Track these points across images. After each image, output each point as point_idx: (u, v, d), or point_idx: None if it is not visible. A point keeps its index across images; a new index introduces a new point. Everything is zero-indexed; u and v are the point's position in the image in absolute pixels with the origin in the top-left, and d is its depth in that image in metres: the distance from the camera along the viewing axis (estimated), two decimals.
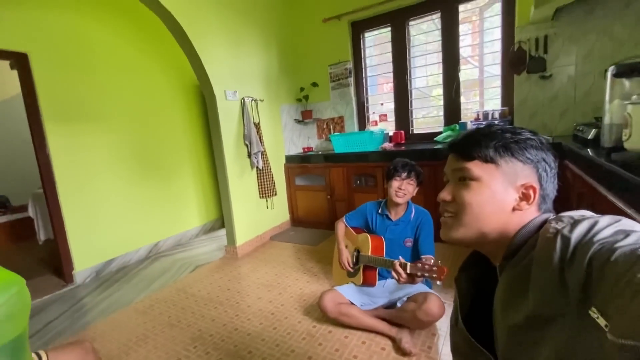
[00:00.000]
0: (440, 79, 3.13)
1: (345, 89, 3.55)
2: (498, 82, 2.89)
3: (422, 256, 1.68)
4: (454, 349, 0.70)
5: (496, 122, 2.72)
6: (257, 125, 3.12)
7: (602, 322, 0.36)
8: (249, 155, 3.05)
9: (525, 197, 0.56)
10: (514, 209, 0.56)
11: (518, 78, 2.65)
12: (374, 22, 3.35)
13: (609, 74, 1.41)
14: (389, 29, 3.28)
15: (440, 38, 3.05)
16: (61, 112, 2.60)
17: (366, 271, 1.77)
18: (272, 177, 3.26)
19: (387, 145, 3.14)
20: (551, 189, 0.58)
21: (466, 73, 3.07)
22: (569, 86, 2.49)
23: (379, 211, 1.89)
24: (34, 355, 0.85)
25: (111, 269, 2.92)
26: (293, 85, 3.75)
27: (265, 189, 3.19)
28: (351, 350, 1.59)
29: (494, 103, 2.98)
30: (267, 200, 3.33)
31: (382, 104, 3.55)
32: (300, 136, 3.89)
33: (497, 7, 2.77)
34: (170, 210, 3.44)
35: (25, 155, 3.56)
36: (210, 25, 2.70)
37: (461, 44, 2.98)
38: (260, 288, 2.31)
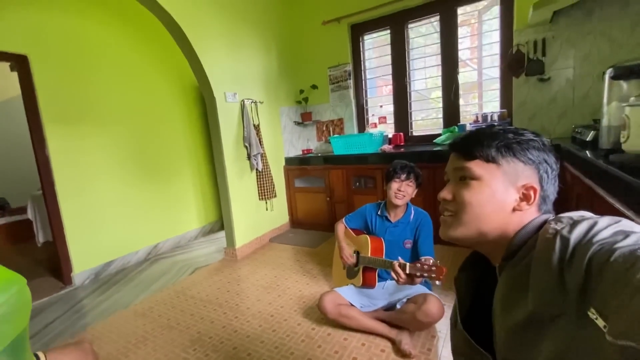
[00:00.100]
0: (439, 81, 3.14)
1: (344, 91, 3.56)
2: (497, 85, 2.90)
3: (422, 258, 1.67)
4: (454, 350, 0.70)
5: (495, 124, 2.73)
6: (257, 127, 3.12)
7: (600, 322, 0.36)
8: (249, 157, 3.05)
9: (525, 198, 0.56)
10: (514, 209, 0.56)
11: (517, 80, 2.67)
12: (373, 25, 3.37)
13: (607, 76, 1.41)
14: (388, 31, 3.30)
15: (439, 41, 3.07)
16: (61, 113, 2.60)
17: (366, 272, 1.77)
18: (272, 179, 3.27)
19: (387, 148, 3.15)
20: (552, 190, 0.59)
21: (465, 75, 3.09)
22: (567, 89, 2.50)
23: (379, 213, 1.89)
24: (33, 356, 0.85)
25: (110, 271, 2.91)
26: (292, 88, 3.76)
27: (265, 191, 3.20)
28: (350, 352, 1.58)
29: (492, 105, 2.99)
30: (266, 202, 3.33)
31: (381, 106, 3.56)
32: (299, 138, 3.89)
33: (496, 10, 2.79)
34: (169, 212, 3.44)
35: (25, 157, 3.55)
36: (210, 28, 2.71)
37: (460, 46, 3.00)
38: (259, 290, 2.31)
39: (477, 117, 2.90)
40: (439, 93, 3.21)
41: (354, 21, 3.40)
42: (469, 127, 2.86)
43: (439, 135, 3.05)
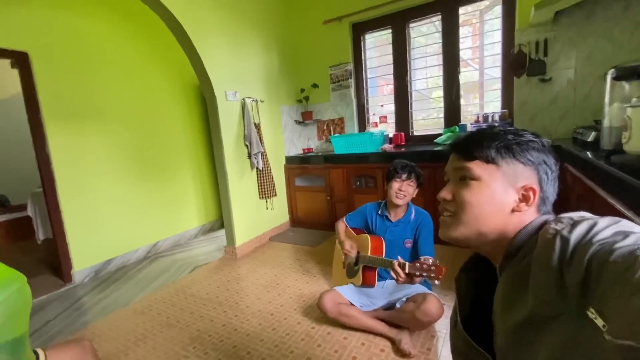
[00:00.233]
0: (440, 81, 3.13)
1: (345, 90, 3.55)
2: (498, 85, 2.89)
3: (421, 257, 1.68)
4: (454, 351, 0.70)
5: (496, 124, 2.73)
6: (258, 126, 3.12)
7: (599, 322, 0.36)
8: (249, 156, 3.05)
9: (524, 199, 0.57)
10: (513, 210, 0.57)
11: (518, 81, 2.66)
12: (374, 24, 3.36)
13: (608, 77, 1.41)
14: (390, 30, 3.29)
15: (440, 40, 3.06)
16: (61, 111, 2.60)
17: (366, 272, 1.77)
18: (272, 178, 3.26)
19: (387, 147, 3.14)
20: (551, 191, 0.59)
21: (466, 75, 3.08)
22: (568, 89, 2.50)
23: (379, 212, 1.89)
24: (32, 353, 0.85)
25: (110, 269, 2.91)
26: (293, 86, 3.75)
27: (265, 190, 3.19)
28: (350, 351, 1.59)
29: (493, 105, 2.99)
30: (266, 201, 3.33)
31: (382, 106, 3.56)
32: (300, 137, 3.89)
33: (498, 10, 2.78)
34: (169, 211, 3.44)
35: (25, 154, 3.55)
36: (211, 26, 2.71)
37: (461, 46, 2.99)
38: (259, 289, 2.31)
39: (478, 117, 2.89)
40: (440, 93, 3.20)
41: (355, 20, 3.39)
42: (469, 127, 2.86)
43: (440, 135, 3.04)
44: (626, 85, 1.35)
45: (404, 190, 1.74)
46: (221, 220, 3.84)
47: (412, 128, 3.38)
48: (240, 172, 3.00)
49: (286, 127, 3.68)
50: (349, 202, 3.21)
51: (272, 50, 3.44)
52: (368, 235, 1.81)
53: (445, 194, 0.63)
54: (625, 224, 0.42)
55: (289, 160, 3.62)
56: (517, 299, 0.51)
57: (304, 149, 3.77)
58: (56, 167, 2.56)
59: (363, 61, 3.53)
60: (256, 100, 3.15)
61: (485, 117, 2.82)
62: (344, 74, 3.52)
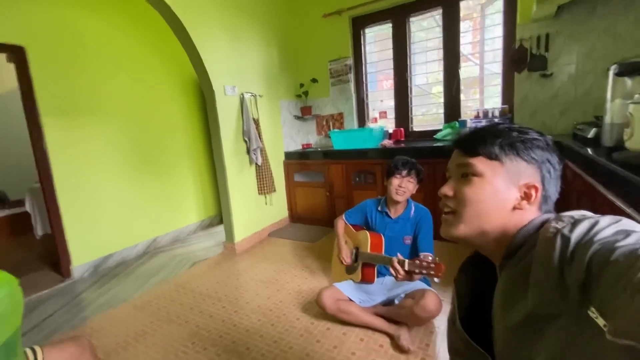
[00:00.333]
0: (440, 76, 3.11)
1: (345, 85, 3.53)
2: (498, 80, 2.88)
3: (421, 253, 1.68)
4: (452, 349, 0.70)
5: (496, 120, 2.72)
6: (256, 121, 3.10)
7: (600, 322, 0.36)
8: (248, 151, 3.04)
9: (526, 197, 0.56)
10: (514, 208, 0.56)
11: (519, 76, 2.64)
12: (374, 18, 3.33)
13: (611, 73, 1.40)
14: (390, 25, 3.26)
15: (441, 35, 3.03)
16: (58, 105, 2.57)
17: (365, 268, 1.77)
18: (271, 174, 3.25)
19: (387, 143, 3.13)
20: (553, 190, 0.58)
21: (466, 70, 3.06)
22: (569, 85, 2.48)
23: (379, 208, 1.89)
24: (29, 350, 0.85)
25: (109, 264, 2.91)
26: (292, 81, 3.72)
27: (264, 185, 3.19)
28: (349, 347, 1.59)
29: (494, 101, 2.97)
30: (265, 197, 3.32)
31: (382, 101, 3.54)
32: (299, 132, 3.87)
33: (499, 5, 2.75)
34: (168, 206, 3.43)
35: (23, 149, 3.53)
36: (209, 19, 2.67)
37: (462, 41, 2.97)
38: (258, 284, 2.31)
39: (478, 112, 2.87)
40: (440, 88, 3.18)
41: (355, 14, 3.36)
42: (470, 123, 2.84)
43: (440, 130, 3.03)
44: (628, 81, 1.34)
45: (403, 186, 1.73)
46: (220, 216, 3.83)
47: (411, 123, 3.36)
48: (239, 167, 2.99)
49: (285, 123, 3.66)
50: (348, 198, 3.21)
51: (271, 44, 3.41)
52: (367, 232, 1.81)
53: (446, 190, 0.62)
54: (626, 223, 0.42)
55: (288, 155, 3.61)
56: (517, 299, 0.51)
57: (303, 145, 3.76)
58: (54, 162, 2.54)
59: (363, 56, 3.50)
60: (255, 95, 3.13)
61: (486, 113, 2.81)
62: (344, 69, 3.49)
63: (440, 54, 3.07)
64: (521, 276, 0.50)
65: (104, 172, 2.88)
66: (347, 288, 1.79)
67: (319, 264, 2.56)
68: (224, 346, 1.67)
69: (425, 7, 3.05)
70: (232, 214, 2.91)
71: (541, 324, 0.46)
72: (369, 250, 1.74)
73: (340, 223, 2.00)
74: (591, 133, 1.72)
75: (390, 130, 3.35)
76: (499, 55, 2.83)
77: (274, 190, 3.32)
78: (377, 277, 1.79)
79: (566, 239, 0.43)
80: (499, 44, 2.80)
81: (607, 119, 1.42)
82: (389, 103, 3.45)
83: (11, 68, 2.43)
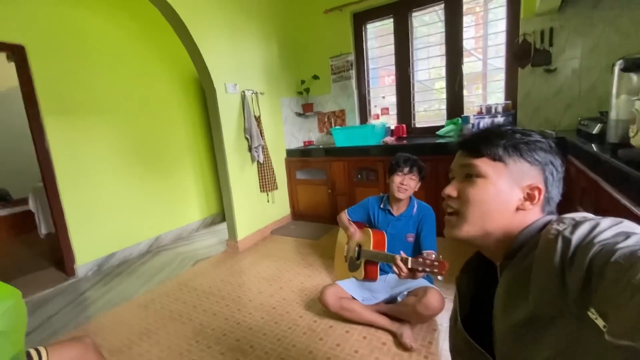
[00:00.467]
0: (442, 71, 3.09)
1: (346, 81, 3.51)
2: (502, 76, 2.85)
3: (424, 251, 1.67)
4: (453, 350, 0.71)
5: (499, 116, 2.70)
6: (258, 119, 3.09)
7: (600, 323, 0.36)
8: (250, 149, 3.03)
9: (529, 198, 0.57)
10: (517, 209, 0.57)
11: (522, 71, 2.62)
12: (376, 13, 3.30)
13: (616, 68, 1.38)
14: (392, 20, 3.23)
15: (443, 30, 3.00)
16: (60, 104, 2.57)
17: (368, 266, 1.77)
18: (273, 171, 3.25)
19: (389, 139, 3.12)
20: (556, 192, 0.59)
21: (469, 66, 3.03)
22: (573, 80, 2.45)
23: (381, 206, 1.88)
24: (33, 351, 0.85)
25: (113, 263, 2.93)
26: (294, 78, 3.71)
27: (266, 183, 3.18)
28: (352, 345, 1.60)
29: (496, 97, 2.94)
30: (267, 194, 3.32)
31: (383, 97, 3.52)
32: (301, 130, 3.86)
33: None
34: (170, 204, 3.44)
35: (25, 148, 3.53)
36: (209, 17, 2.66)
37: (464, 36, 2.94)
38: (261, 282, 2.32)
39: (481, 108, 2.85)
40: (442, 84, 3.16)
41: (356, 9, 3.33)
42: (472, 119, 2.83)
43: (442, 127, 3.01)
44: (634, 77, 1.32)
45: (405, 184, 1.73)
46: (222, 214, 3.84)
47: (414, 120, 3.34)
48: (241, 165, 2.99)
49: (287, 120, 3.65)
50: (350, 195, 3.20)
51: (272, 40, 3.38)
52: (370, 230, 1.81)
53: (450, 190, 0.63)
54: (627, 225, 0.43)
55: (290, 153, 3.60)
56: (518, 299, 0.51)
57: (304, 142, 3.75)
58: (56, 161, 2.55)
59: (364, 52, 3.47)
60: (256, 93, 3.12)
61: (489, 109, 2.78)
62: (345, 65, 3.47)
63: (442, 49, 3.04)
64: (522, 277, 0.51)
65: (107, 170, 2.88)
66: (349, 286, 1.79)
67: (322, 261, 2.56)
68: (228, 344, 1.68)
69: (427, 2, 3.02)
70: (234, 212, 2.92)
71: (542, 324, 0.47)
72: (371, 248, 1.74)
73: (344, 216, 1.99)
74: (596, 129, 1.71)
75: (392, 127, 3.34)
76: (502, 50, 2.80)
77: (276, 188, 3.31)
78: (380, 274, 1.79)
79: (567, 241, 0.44)
80: (502, 38, 2.77)
81: (613, 115, 1.40)
82: (391, 99, 3.43)
83: (11, 67, 2.43)
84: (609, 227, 0.42)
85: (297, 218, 3.70)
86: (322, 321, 1.80)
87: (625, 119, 1.30)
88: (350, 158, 3.15)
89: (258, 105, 3.14)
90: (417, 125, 3.34)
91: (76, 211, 2.67)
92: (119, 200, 2.97)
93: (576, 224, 0.45)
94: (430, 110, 3.40)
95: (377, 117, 3.45)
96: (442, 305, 1.57)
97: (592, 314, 0.37)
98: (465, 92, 3.04)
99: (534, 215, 0.57)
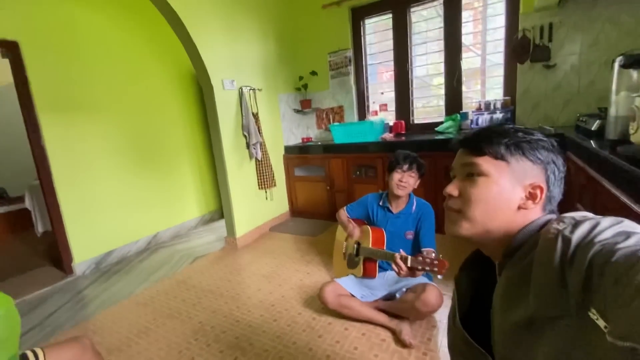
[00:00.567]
0: (441, 67, 3.07)
1: (344, 77, 3.49)
2: (500, 71, 2.84)
3: (423, 249, 1.68)
4: (452, 348, 0.71)
5: (498, 112, 2.69)
6: (256, 116, 3.07)
7: (601, 323, 0.36)
8: (248, 146, 3.02)
9: (531, 197, 0.57)
10: (519, 208, 0.57)
11: (521, 67, 2.61)
12: (374, 8, 3.27)
13: (616, 65, 1.37)
14: (390, 15, 3.21)
15: (442, 25, 2.98)
16: (55, 101, 2.55)
17: (367, 263, 1.77)
18: (271, 168, 3.24)
19: (387, 136, 3.11)
20: (557, 191, 0.59)
21: (467, 61, 3.01)
22: (572, 76, 2.45)
23: (380, 203, 1.88)
24: (30, 352, 0.84)
25: (111, 261, 2.92)
26: (292, 74, 3.68)
27: (265, 180, 3.17)
28: (351, 342, 1.60)
29: (495, 92, 2.93)
30: (266, 191, 3.31)
31: (382, 93, 3.50)
32: (299, 126, 3.84)
33: None
34: (168, 201, 3.42)
35: (22, 146, 3.51)
36: (206, 11, 2.62)
37: (463, 31, 2.92)
38: (260, 279, 2.32)
39: (480, 104, 2.84)
40: (440, 79, 3.14)
41: (354, 4, 3.30)
42: (471, 115, 2.82)
43: (441, 123, 3.01)
44: (634, 74, 1.31)
45: (404, 181, 1.72)
46: (221, 211, 3.83)
47: (412, 116, 3.33)
48: (239, 162, 2.97)
49: (285, 116, 3.63)
50: (349, 192, 3.19)
51: (269, 36, 3.35)
52: (369, 227, 1.81)
53: (451, 189, 0.62)
54: (627, 224, 0.42)
55: (288, 150, 3.59)
56: (517, 299, 0.51)
57: (303, 138, 3.73)
58: (52, 158, 2.52)
59: (363, 47, 3.45)
60: (254, 89, 3.09)
61: (487, 105, 2.77)
62: (343, 61, 3.45)
63: (441, 44, 3.02)
64: (522, 276, 0.51)
65: (104, 168, 2.86)
66: (348, 283, 1.79)
67: (321, 258, 2.56)
68: (227, 342, 1.68)
69: None
70: (232, 208, 2.91)
71: (542, 325, 0.46)
72: (370, 246, 1.73)
73: (343, 213, 1.99)
74: (595, 125, 1.71)
75: (391, 123, 3.33)
76: (500, 45, 2.78)
77: (274, 185, 3.30)
78: (379, 272, 1.80)
79: (567, 241, 0.44)
80: (501, 34, 2.76)
81: (612, 111, 1.40)
82: (389, 95, 3.41)
83: (5, 63, 2.39)
84: (609, 227, 0.42)
85: (296, 215, 3.69)
86: (321, 318, 1.80)
87: (625, 115, 1.30)
88: (349, 155, 3.14)
89: (256, 102, 3.12)
90: (416, 122, 3.33)
91: (73, 209, 2.65)
92: (117, 198, 2.95)
93: (576, 224, 0.45)
94: (428, 106, 3.38)
95: (376, 113, 3.44)
96: (441, 302, 1.58)
97: (593, 315, 0.37)
98: (464, 88, 3.03)
99: (535, 214, 0.57)
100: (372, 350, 1.54)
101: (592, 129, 1.72)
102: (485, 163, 0.58)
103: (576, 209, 1.31)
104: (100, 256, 2.84)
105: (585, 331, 0.39)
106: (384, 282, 1.81)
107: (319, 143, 3.47)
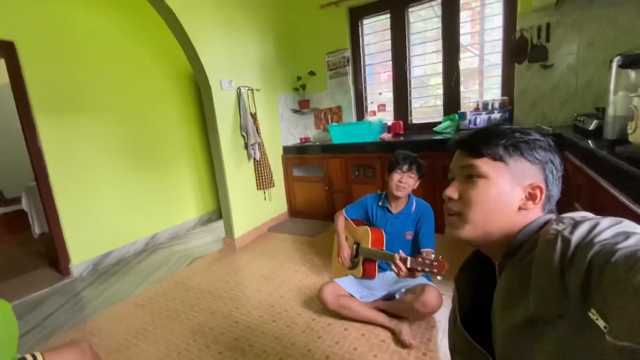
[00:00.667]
0: (439, 67, 3.07)
1: (343, 77, 3.48)
2: (498, 71, 2.84)
3: (423, 250, 1.68)
4: (453, 349, 0.71)
5: (496, 112, 2.70)
6: (254, 116, 3.06)
7: (601, 323, 0.36)
8: (246, 147, 3.01)
9: (531, 197, 0.57)
10: (519, 209, 0.57)
11: (519, 67, 2.61)
12: (372, 8, 3.27)
13: (614, 65, 1.38)
14: (388, 15, 3.21)
15: (439, 25, 2.99)
16: (52, 102, 2.53)
17: (366, 264, 1.77)
18: (270, 169, 3.23)
19: (386, 136, 3.11)
20: (556, 190, 0.59)
21: (465, 61, 3.02)
22: (570, 76, 2.45)
23: (380, 204, 1.87)
24: (29, 356, 0.84)
25: (109, 262, 2.90)
26: (290, 74, 3.67)
27: (263, 181, 3.17)
28: (351, 342, 1.60)
29: (493, 92, 2.94)
30: (264, 192, 3.30)
31: (380, 93, 3.50)
32: (297, 126, 3.84)
33: None
34: (166, 202, 3.41)
35: (18, 147, 3.48)
36: (203, 11, 2.61)
37: (461, 31, 2.92)
38: (259, 280, 2.31)
39: (478, 104, 2.85)
40: (438, 80, 3.15)
41: (353, 4, 3.29)
42: (469, 115, 2.83)
43: (439, 123, 3.01)
44: (632, 74, 1.32)
45: (404, 182, 1.72)
46: (219, 211, 3.82)
47: (410, 116, 3.33)
48: (238, 163, 2.97)
49: (283, 116, 3.62)
50: (348, 192, 3.19)
51: (268, 36, 3.34)
52: (368, 227, 1.81)
53: (451, 191, 0.62)
54: (627, 225, 0.42)
55: (287, 150, 3.58)
56: (518, 299, 0.51)
57: (301, 139, 3.73)
58: (49, 159, 2.51)
59: (361, 47, 3.45)
60: (252, 89, 3.08)
61: (485, 105, 2.78)
62: (342, 61, 3.44)
63: (439, 44, 3.03)
64: (522, 277, 0.51)
65: (101, 168, 2.84)
66: (347, 284, 1.79)
67: (320, 258, 2.56)
68: (226, 343, 1.67)
69: None
70: (231, 209, 2.90)
71: (542, 325, 0.46)
72: (369, 246, 1.73)
73: (341, 219, 1.99)
74: (592, 125, 1.71)
75: (389, 123, 3.33)
76: (498, 46, 2.79)
77: (273, 185, 3.30)
78: (378, 272, 1.79)
79: (567, 241, 0.43)
80: (498, 34, 2.76)
81: (610, 111, 1.40)
82: (388, 95, 3.41)
83: (1, 63, 2.38)
84: (608, 227, 0.42)
85: (294, 215, 3.69)
86: (321, 319, 1.80)
87: (623, 115, 1.30)
88: (347, 155, 3.13)
89: (254, 102, 3.11)
90: (414, 122, 3.33)
91: (70, 210, 2.64)
92: (114, 199, 2.94)
93: (575, 224, 0.45)
94: (426, 106, 3.38)
95: (374, 113, 3.44)
96: (440, 302, 1.58)
97: (593, 315, 0.37)
98: (461, 88, 3.03)
99: (535, 214, 0.57)
100: (371, 350, 1.53)
101: (590, 128, 1.73)
102: (484, 165, 0.58)
103: (574, 209, 1.32)
104: (98, 257, 2.83)
105: (585, 331, 0.39)
106: (384, 282, 1.81)
107: (318, 143, 3.46)
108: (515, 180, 0.56)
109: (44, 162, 2.48)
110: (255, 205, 3.21)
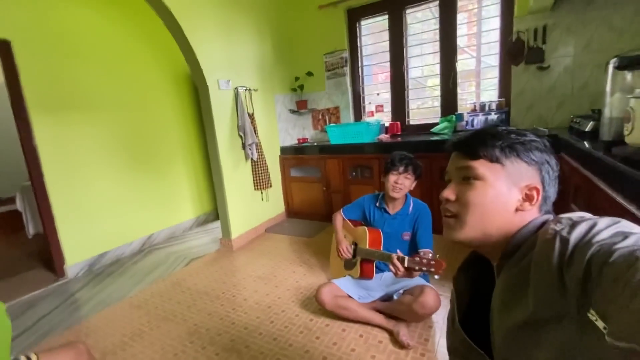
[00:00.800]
0: (436, 68, 3.09)
1: (340, 78, 3.49)
2: (495, 73, 2.86)
3: (420, 250, 1.68)
4: (451, 350, 0.71)
5: (493, 113, 2.71)
6: (251, 116, 3.06)
7: (600, 324, 0.36)
8: (244, 147, 3.00)
9: (528, 198, 0.57)
10: (516, 210, 0.57)
11: (515, 69, 2.63)
12: (370, 10, 3.27)
13: (610, 66, 1.38)
14: (386, 17, 3.22)
15: (437, 27, 3.00)
16: (47, 101, 2.51)
17: (364, 264, 1.77)
18: (267, 169, 3.22)
19: (383, 137, 3.11)
20: (552, 191, 0.59)
21: (462, 63, 3.03)
22: (566, 77, 2.47)
23: (377, 204, 1.87)
24: (24, 358, 0.83)
25: (104, 262, 2.88)
26: (287, 75, 3.67)
27: (260, 181, 3.16)
28: (349, 343, 1.59)
29: (489, 94, 2.96)
30: (262, 192, 3.29)
31: (378, 94, 3.51)
32: (295, 127, 3.83)
33: None
34: (163, 202, 3.39)
35: (13, 146, 3.45)
36: (201, 10, 2.60)
37: (458, 33, 2.94)
38: (256, 281, 2.30)
39: (475, 106, 2.86)
40: (435, 80, 3.16)
41: (351, 5, 3.30)
42: (466, 117, 2.83)
43: (436, 124, 3.02)
44: (628, 75, 1.33)
45: (400, 183, 1.72)
46: (216, 212, 3.81)
47: (408, 117, 3.34)
48: (235, 163, 2.96)
49: (280, 117, 3.62)
50: (345, 192, 3.19)
51: (266, 36, 3.34)
52: (366, 228, 1.81)
53: (448, 193, 0.62)
54: (625, 225, 0.42)
55: (284, 150, 3.57)
56: (516, 300, 0.51)
57: (299, 139, 3.72)
58: (44, 159, 2.48)
59: (358, 48, 3.45)
60: (249, 89, 3.07)
61: (482, 106, 2.80)
62: (339, 62, 3.45)
63: (436, 46, 3.04)
64: (520, 277, 0.51)
65: (97, 168, 2.82)
66: (345, 284, 1.79)
67: (317, 259, 2.55)
68: (223, 344, 1.66)
69: None
70: (228, 210, 2.89)
71: (541, 325, 0.46)
72: (367, 246, 1.73)
73: (339, 218, 1.99)
74: (589, 126, 1.72)
75: (387, 124, 3.33)
76: (495, 47, 2.80)
77: (270, 186, 3.29)
78: (376, 272, 1.79)
79: (565, 241, 0.43)
80: (495, 36, 2.78)
81: (607, 113, 1.41)
82: (385, 96, 3.42)
83: None
84: (606, 227, 0.42)
85: (292, 216, 3.68)
86: (318, 320, 1.79)
87: (619, 116, 1.31)
88: (345, 155, 3.13)
89: (252, 102, 3.10)
90: (412, 123, 3.34)
91: (65, 210, 2.61)
92: (110, 199, 2.91)
93: (573, 224, 0.45)
94: (424, 107, 3.40)
95: (372, 114, 3.45)
96: (439, 304, 1.58)
97: (592, 316, 0.37)
98: (459, 90, 3.05)
99: (531, 215, 0.57)
100: (369, 351, 1.53)
101: (586, 130, 1.74)
102: (481, 166, 0.58)
103: (571, 210, 1.32)
104: (93, 258, 2.80)
105: (584, 332, 0.39)
106: (381, 283, 1.81)
107: (315, 144, 3.46)
108: (511, 182, 0.57)
109: (39, 161, 2.46)
110: (253, 206, 3.20)
